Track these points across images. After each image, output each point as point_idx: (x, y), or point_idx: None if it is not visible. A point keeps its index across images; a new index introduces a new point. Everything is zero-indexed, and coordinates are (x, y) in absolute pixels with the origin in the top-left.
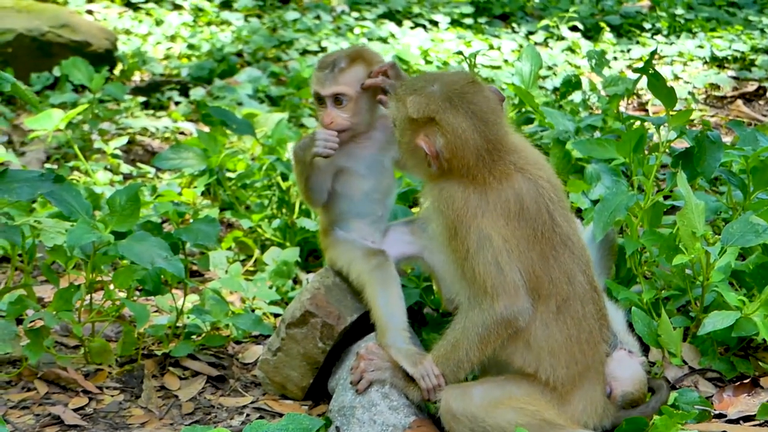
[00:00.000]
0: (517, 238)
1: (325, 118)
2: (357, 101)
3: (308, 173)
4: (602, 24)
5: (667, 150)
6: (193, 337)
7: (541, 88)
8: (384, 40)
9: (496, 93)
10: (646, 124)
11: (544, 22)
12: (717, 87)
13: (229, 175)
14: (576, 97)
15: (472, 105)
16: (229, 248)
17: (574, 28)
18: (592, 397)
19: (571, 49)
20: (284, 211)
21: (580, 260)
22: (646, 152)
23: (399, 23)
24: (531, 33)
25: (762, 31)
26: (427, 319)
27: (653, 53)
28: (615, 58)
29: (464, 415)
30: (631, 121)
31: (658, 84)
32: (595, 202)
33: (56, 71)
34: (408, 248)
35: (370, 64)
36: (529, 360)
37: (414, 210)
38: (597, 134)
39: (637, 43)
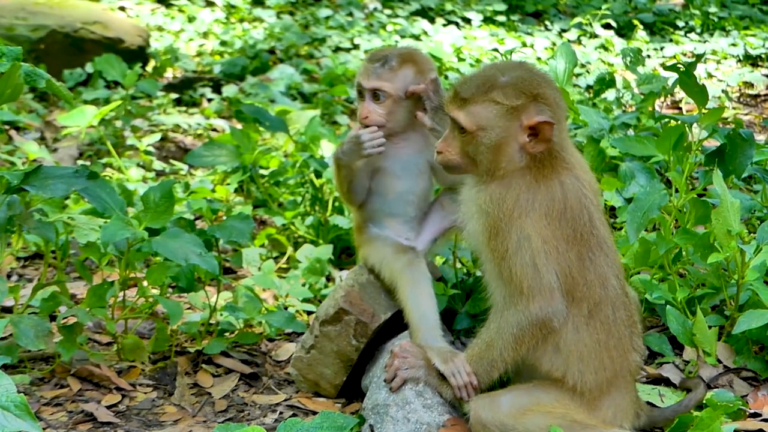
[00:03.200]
0: (557, 238)
1: (362, 111)
2: (396, 101)
3: (351, 177)
4: (635, 22)
5: (699, 148)
6: (226, 334)
7: (574, 86)
8: (416, 38)
9: None
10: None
11: (577, 19)
12: (750, 85)
13: (262, 172)
14: (610, 95)
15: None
16: (262, 245)
17: (607, 26)
18: (622, 404)
19: (604, 47)
20: (317, 208)
21: (614, 265)
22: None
23: (431, 20)
24: (564, 31)
25: None
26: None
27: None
28: (648, 56)
29: (494, 423)
30: (666, 119)
31: (689, 82)
32: (628, 201)
33: (89, 68)
34: (442, 223)
35: (420, 69)
36: (557, 364)
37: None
38: (630, 132)
39: (671, 41)
